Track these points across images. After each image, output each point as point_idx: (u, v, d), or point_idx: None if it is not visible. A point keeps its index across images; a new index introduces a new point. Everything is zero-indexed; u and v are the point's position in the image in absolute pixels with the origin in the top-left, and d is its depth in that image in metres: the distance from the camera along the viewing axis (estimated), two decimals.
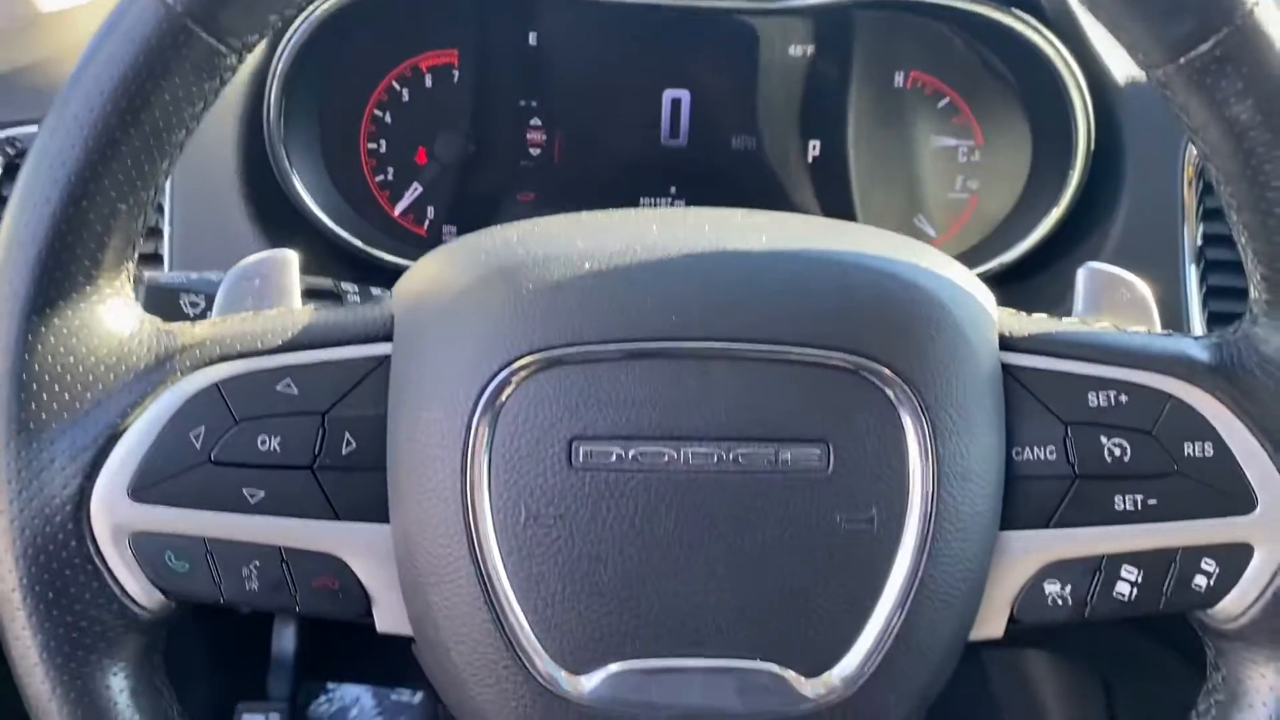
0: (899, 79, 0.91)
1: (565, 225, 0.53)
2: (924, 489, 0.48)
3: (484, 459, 0.48)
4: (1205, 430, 0.50)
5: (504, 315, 0.49)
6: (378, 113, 0.91)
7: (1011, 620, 0.53)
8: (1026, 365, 0.52)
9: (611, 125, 0.91)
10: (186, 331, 0.51)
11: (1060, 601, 0.52)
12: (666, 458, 0.48)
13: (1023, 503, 0.51)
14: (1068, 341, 0.52)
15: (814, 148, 0.92)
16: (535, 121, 0.91)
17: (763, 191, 0.92)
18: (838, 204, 0.92)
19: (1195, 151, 0.83)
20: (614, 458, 0.48)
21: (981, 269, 0.85)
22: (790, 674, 0.49)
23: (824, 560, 0.48)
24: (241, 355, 0.51)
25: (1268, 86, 0.46)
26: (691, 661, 0.49)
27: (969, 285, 0.52)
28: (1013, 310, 0.55)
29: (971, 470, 0.49)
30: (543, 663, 0.48)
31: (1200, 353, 0.52)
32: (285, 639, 1.56)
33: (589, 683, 0.48)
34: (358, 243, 0.85)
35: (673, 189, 0.92)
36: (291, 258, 0.57)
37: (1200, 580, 0.51)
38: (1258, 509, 0.50)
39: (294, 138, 0.83)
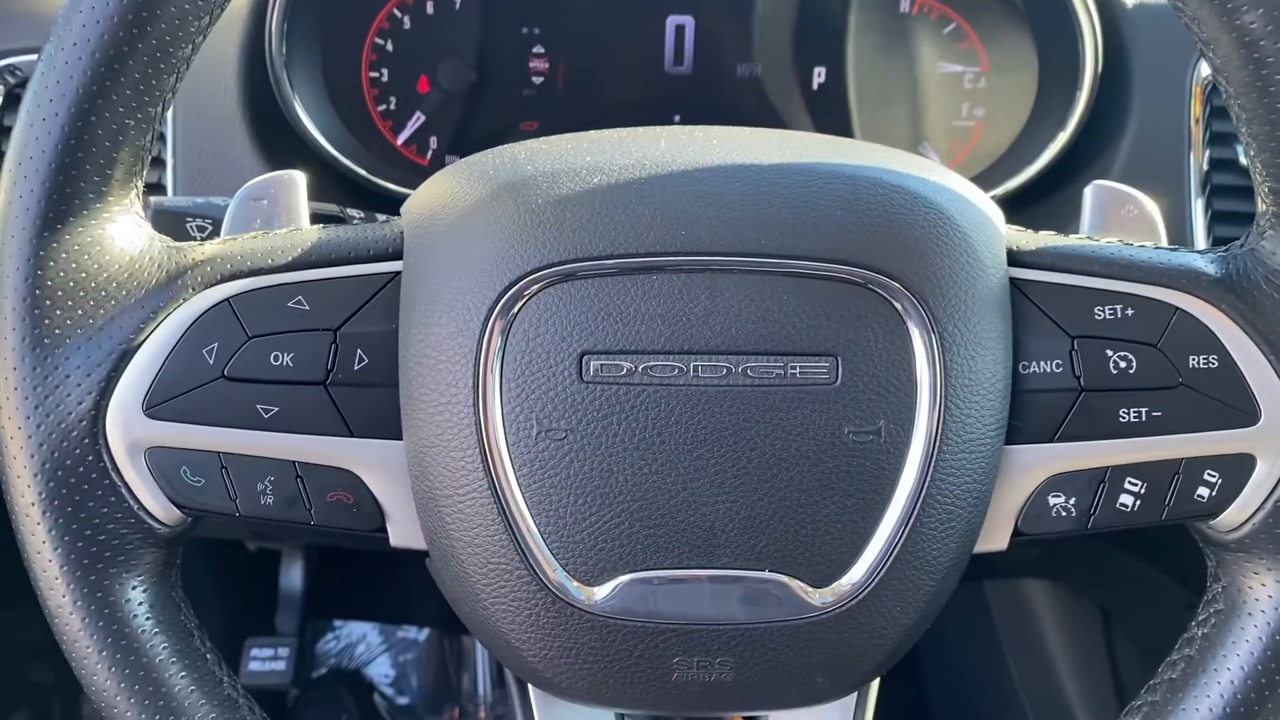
0: (905, 4, 0.90)
1: (573, 142, 0.53)
2: (931, 401, 0.49)
3: (495, 373, 0.48)
4: (1210, 343, 0.51)
5: (514, 230, 0.49)
6: (379, 41, 0.90)
7: (1016, 533, 0.53)
8: (1033, 280, 0.52)
9: (615, 53, 0.91)
10: (197, 250, 0.52)
11: (1064, 513, 0.52)
12: (676, 371, 0.48)
13: (1029, 416, 0.51)
14: (1074, 256, 0.52)
15: (819, 75, 0.91)
16: (538, 50, 0.91)
17: (767, 119, 0.92)
18: (842, 131, 0.92)
19: (1203, 75, 0.83)
20: (624, 371, 0.48)
21: (990, 194, 0.85)
22: (797, 584, 0.49)
23: (831, 472, 0.49)
24: (253, 272, 0.51)
25: None
26: (700, 572, 0.49)
27: (977, 201, 0.52)
28: (1020, 227, 0.55)
29: (978, 383, 0.50)
30: (555, 573, 0.49)
31: (1206, 266, 0.52)
32: (293, 576, 1.58)
33: (600, 592, 0.49)
34: (361, 171, 0.85)
35: (676, 117, 0.92)
36: (299, 178, 0.57)
37: (1203, 491, 0.52)
38: (1261, 420, 0.51)
39: (296, 66, 0.83)
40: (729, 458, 0.48)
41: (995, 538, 0.53)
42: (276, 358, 0.50)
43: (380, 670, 1.79)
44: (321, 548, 1.55)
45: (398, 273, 0.51)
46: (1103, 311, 0.51)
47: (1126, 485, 0.52)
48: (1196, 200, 0.82)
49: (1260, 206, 0.51)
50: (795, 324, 0.49)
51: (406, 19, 0.90)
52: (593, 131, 0.55)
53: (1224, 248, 0.53)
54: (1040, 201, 0.86)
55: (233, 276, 0.51)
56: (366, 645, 1.81)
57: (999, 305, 0.51)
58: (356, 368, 0.51)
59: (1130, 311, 0.51)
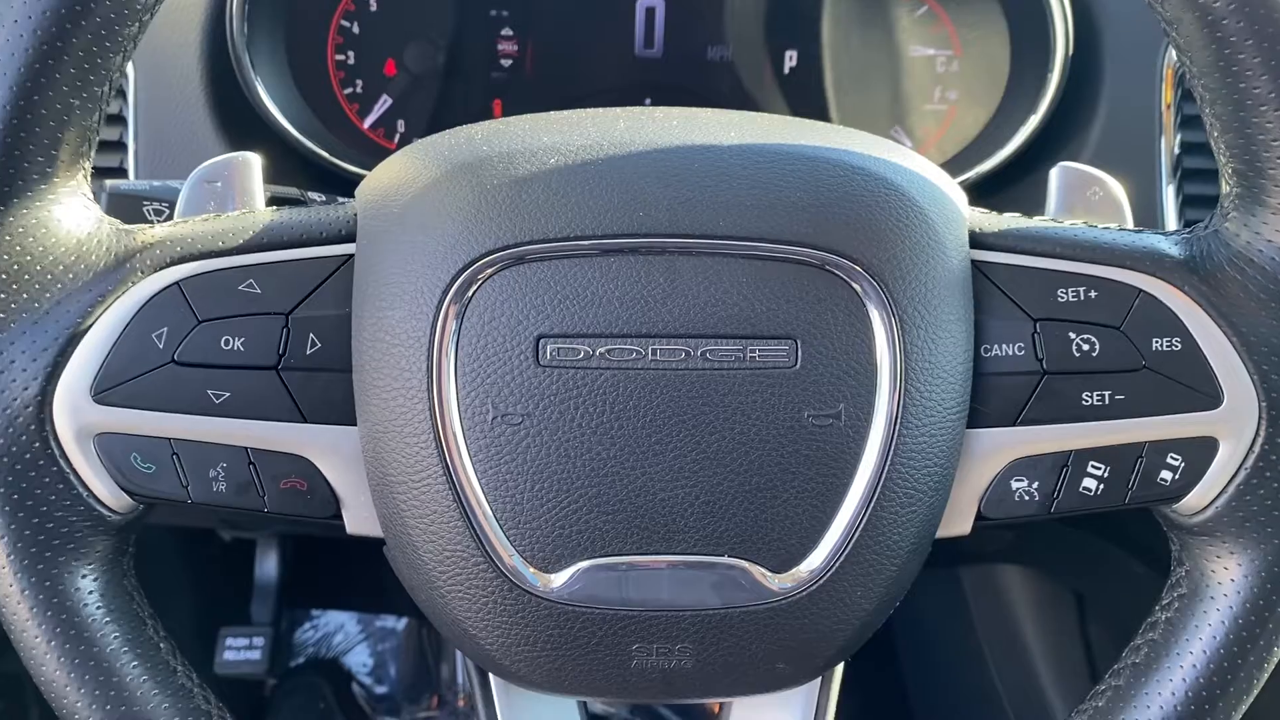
0: None
1: (531, 122, 0.52)
2: (891, 385, 0.48)
3: (450, 357, 0.48)
4: (1173, 326, 0.50)
5: (468, 211, 0.48)
6: (345, 23, 0.89)
7: (979, 517, 0.53)
8: (996, 262, 0.51)
9: (584, 36, 0.90)
10: (147, 232, 0.51)
11: (1027, 497, 0.52)
12: (634, 355, 0.48)
13: (991, 400, 0.51)
14: (1036, 238, 0.52)
15: (790, 58, 0.91)
16: (507, 32, 0.90)
17: (738, 103, 0.91)
18: (814, 115, 0.91)
19: (1174, 58, 0.82)
20: (581, 355, 0.47)
21: (962, 177, 0.84)
22: (757, 569, 0.49)
23: (791, 456, 0.48)
24: (203, 255, 0.50)
25: None
26: (659, 558, 0.49)
27: (940, 182, 0.52)
28: (984, 209, 0.54)
29: (939, 366, 0.49)
30: (512, 560, 0.48)
31: (1170, 248, 0.52)
32: (268, 565, 1.57)
33: (558, 580, 0.49)
34: (325, 154, 0.83)
35: (647, 100, 0.91)
36: (254, 160, 0.56)
37: (1166, 475, 0.51)
38: (1223, 404, 0.50)
39: (258, 47, 0.82)
40: (688, 442, 0.48)
41: (958, 522, 0.53)
42: (227, 342, 0.49)
43: (358, 659, 1.78)
44: (297, 536, 1.54)
45: (351, 255, 0.50)
46: (1065, 294, 0.51)
47: (1089, 469, 0.52)
48: (1168, 184, 0.81)
49: (1224, 188, 0.51)
50: (754, 306, 0.48)
51: (372, 1, 0.89)
52: (553, 112, 0.54)
53: (1188, 229, 0.53)
54: (1013, 185, 0.86)
55: (183, 259, 0.50)
56: (344, 634, 1.80)
57: (960, 287, 0.50)
58: (309, 352, 0.50)
59: (1093, 294, 0.51)
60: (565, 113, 0.54)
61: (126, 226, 0.51)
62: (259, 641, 1.45)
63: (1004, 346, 0.51)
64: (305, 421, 0.50)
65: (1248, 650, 0.51)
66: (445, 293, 0.47)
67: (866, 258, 0.48)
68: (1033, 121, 0.83)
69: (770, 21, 0.90)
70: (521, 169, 0.48)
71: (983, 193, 0.83)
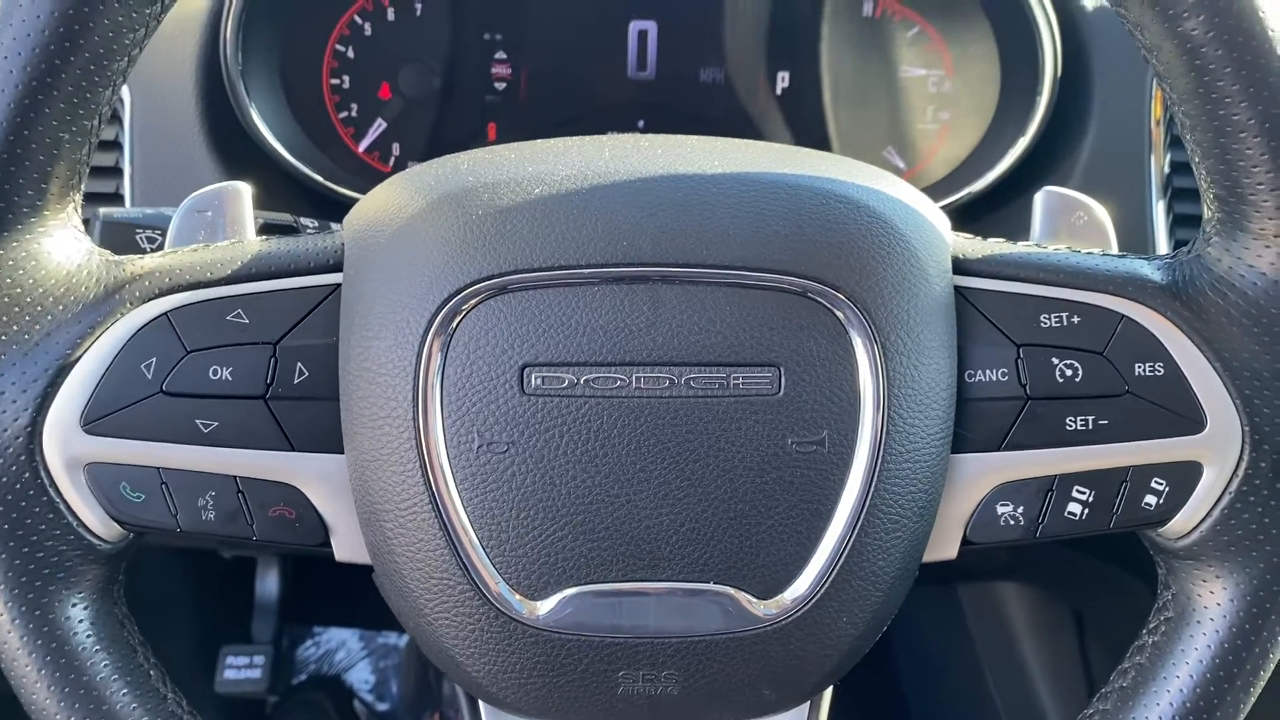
0: (868, 8, 0.90)
1: (517, 152, 0.53)
2: (875, 411, 0.48)
3: (436, 386, 0.48)
4: (1156, 350, 0.51)
5: (454, 241, 0.48)
6: (340, 48, 0.89)
7: (964, 542, 0.53)
8: (979, 288, 0.52)
9: (577, 58, 0.90)
10: (136, 263, 0.51)
11: (1012, 522, 0.52)
12: (618, 383, 0.48)
13: (975, 425, 0.51)
14: (1019, 264, 0.52)
15: (783, 79, 0.91)
16: (500, 55, 0.90)
17: (731, 125, 0.91)
18: (807, 136, 0.91)
19: None
20: (566, 384, 0.48)
21: (953, 198, 0.85)
22: (742, 596, 0.49)
23: (775, 483, 0.48)
24: (191, 286, 0.50)
25: (1220, 0, 0.46)
26: (645, 585, 0.49)
27: (922, 209, 0.52)
28: (967, 235, 0.54)
29: (922, 392, 0.49)
30: (498, 588, 0.49)
31: (1153, 273, 0.52)
32: (269, 583, 1.57)
33: (544, 607, 0.49)
34: (320, 179, 0.84)
35: (640, 123, 0.91)
36: (244, 189, 0.57)
37: (1150, 499, 0.52)
38: (1207, 428, 0.51)
39: (253, 74, 0.82)
40: (672, 470, 0.48)
41: (944, 547, 0.53)
42: (215, 372, 0.49)
43: (360, 676, 1.78)
44: (298, 555, 1.55)
45: (338, 285, 0.51)
46: (1049, 319, 0.51)
47: (1074, 494, 0.52)
48: (1158, 204, 0.82)
49: (1206, 213, 0.51)
50: (737, 335, 0.48)
51: (368, 25, 0.89)
52: (539, 140, 0.54)
53: (1171, 254, 0.53)
54: (1004, 206, 0.86)
55: (171, 290, 0.50)
56: (346, 651, 1.80)
57: (943, 314, 0.50)
58: (296, 381, 0.50)
59: (1076, 319, 0.51)
60: (552, 141, 0.54)
61: (116, 258, 0.51)
62: (259, 660, 1.46)
63: (987, 372, 0.51)
64: (293, 450, 0.50)
65: (1234, 675, 0.51)
66: (430, 322, 0.48)
67: (849, 285, 0.48)
68: (1022, 143, 0.83)
69: (763, 43, 0.90)
70: (506, 199, 0.49)
71: (975, 213, 0.84)
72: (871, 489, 0.49)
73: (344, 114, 0.91)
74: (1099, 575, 1.02)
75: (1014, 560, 1.08)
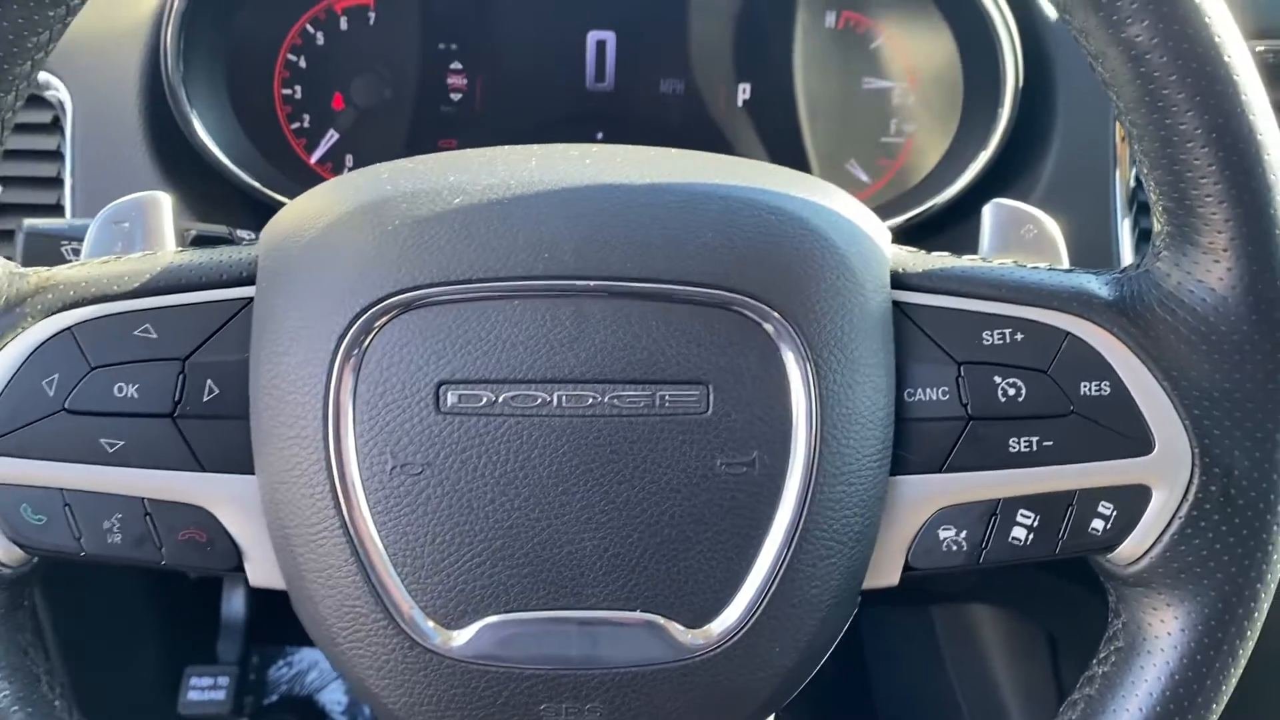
0: (831, 19, 0.89)
1: (442, 161, 0.51)
2: (808, 431, 0.46)
3: (348, 405, 0.46)
4: (1102, 369, 0.49)
5: (367, 254, 0.46)
6: (292, 57, 0.88)
7: (907, 568, 0.51)
8: (919, 303, 0.50)
9: (534, 69, 0.89)
10: (41, 276, 0.49)
11: (955, 547, 0.50)
12: (539, 401, 0.46)
13: (915, 446, 0.49)
14: (962, 278, 0.50)
15: (744, 91, 0.89)
16: (456, 65, 0.89)
17: (692, 137, 0.90)
18: (769, 149, 0.90)
19: None
20: (484, 402, 0.46)
21: (915, 212, 0.83)
22: (670, 624, 0.47)
23: (704, 506, 0.46)
24: (97, 299, 0.48)
25: (1161, 5, 0.44)
26: (567, 613, 0.47)
27: (860, 221, 0.50)
28: (911, 249, 0.53)
29: (858, 412, 0.47)
30: (414, 617, 0.47)
31: (1100, 289, 0.50)
32: (235, 603, 1.55)
33: (462, 636, 0.47)
34: (266, 190, 0.82)
35: (599, 134, 0.90)
36: (163, 199, 0.55)
37: (1098, 524, 0.49)
38: (1155, 450, 0.48)
39: (197, 81, 0.80)
40: (596, 492, 0.46)
41: (885, 573, 0.51)
42: (120, 389, 0.47)
43: (333, 697, 1.75)
44: None
45: (251, 299, 0.49)
46: (991, 336, 0.49)
47: (1019, 518, 0.50)
48: (1123, 217, 0.80)
49: (1155, 226, 0.49)
50: (664, 351, 0.46)
51: (320, 35, 0.88)
52: (469, 150, 0.52)
53: (1120, 269, 0.51)
54: (968, 220, 0.84)
55: (76, 304, 0.48)
56: (319, 672, 1.77)
57: (880, 330, 0.48)
58: (206, 399, 0.48)
59: (1019, 336, 0.49)
60: (480, 150, 0.52)
61: (20, 270, 0.49)
62: (224, 681, 1.43)
63: (927, 391, 0.49)
64: (203, 470, 0.48)
65: (1185, 709, 0.49)
66: (341, 339, 0.46)
67: (779, 300, 0.46)
68: (983, 157, 0.81)
69: (724, 55, 0.89)
70: (424, 210, 0.47)
71: (939, 227, 0.82)
72: (805, 513, 0.47)
73: (296, 125, 0.89)
74: (1072, 597, 1.00)
75: (986, 581, 1.05)
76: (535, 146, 0.53)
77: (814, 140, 0.90)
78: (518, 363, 0.46)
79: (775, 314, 0.46)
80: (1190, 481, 0.49)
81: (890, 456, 0.49)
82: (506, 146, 0.53)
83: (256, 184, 0.80)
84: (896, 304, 0.49)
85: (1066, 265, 0.54)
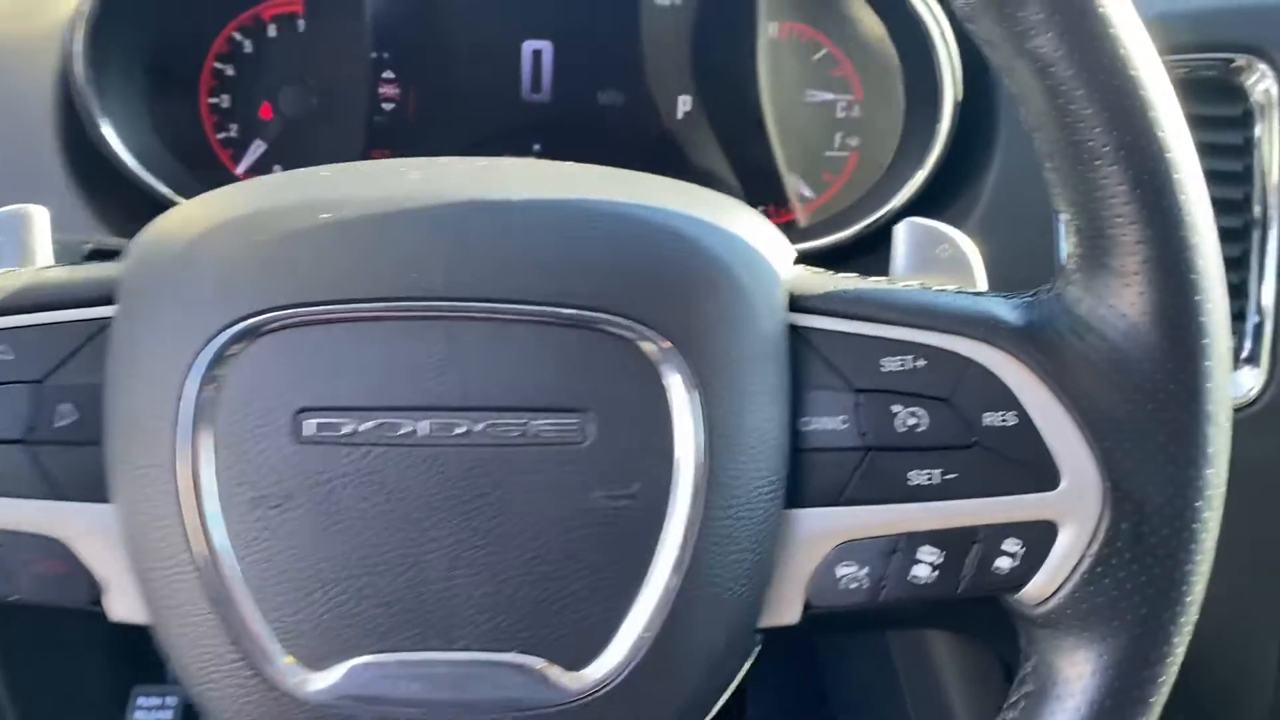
0: (773, 29, 0.86)
1: (321, 175, 0.49)
2: (694, 463, 0.44)
3: (205, 433, 0.43)
4: (1007, 398, 0.46)
5: (226, 271, 0.44)
6: (219, 65, 0.85)
7: (807, 606, 0.48)
8: (817, 327, 0.47)
9: (469, 79, 0.86)
10: None
11: (855, 584, 0.47)
12: (405, 430, 0.43)
13: (811, 478, 0.46)
14: (864, 301, 0.47)
15: (684, 103, 0.87)
16: (388, 75, 0.86)
17: (631, 150, 0.87)
18: (710, 163, 0.87)
19: None
20: (346, 431, 0.43)
21: (851, 231, 0.80)
22: (548, 666, 0.44)
23: (582, 541, 0.44)
24: None
25: (1067, 14, 0.42)
26: (439, 655, 0.44)
27: (758, 240, 0.48)
28: (817, 269, 0.50)
29: (749, 441, 0.45)
30: (276, 657, 0.44)
31: (1008, 313, 0.47)
32: None
33: (326, 679, 0.44)
34: (185, 201, 0.79)
35: (536, 146, 0.87)
36: (37, 213, 0.52)
37: (1004, 562, 0.47)
38: (1062, 484, 0.46)
39: (110, 88, 0.78)
40: (467, 526, 0.43)
41: (784, 611, 0.48)
42: None
43: None
44: None
45: (111, 318, 0.46)
46: (891, 362, 0.47)
47: (921, 554, 0.47)
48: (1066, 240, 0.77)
49: (1067, 248, 0.47)
50: (540, 377, 0.44)
51: (247, 42, 0.85)
52: (356, 163, 0.50)
53: (1032, 293, 0.49)
54: None
55: None
56: None
57: (774, 355, 0.46)
58: (62, 424, 0.45)
59: (921, 363, 0.46)
60: (367, 163, 0.50)
61: None
62: (171, 701, 1.39)
63: (824, 419, 0.46)
64: (59, 499, 0.46)
65: None
66: (196, 361, 0.43)
67: (664, 323, 0.44)
68: (920, 175, 0.79)
69: (664, 66, 0.86)
70: (287, 226, 0.44)
71: (869, 248, 0.79)
72: (691, 548, 0.44)
73: (223, 134, 0.86)
74: None
75: (942, 608, 1.03)
76: (422, 159, 0.50)
77: (756, 154, 0.87)
78: (382, 389, 0.43)
79: (659, 338, 0.44)
80: (1100, 518, 0.46)
81: (785, 488, 0.46)
82: (392, 160, 0.50)
83: (171, 194, 0.78)
84: (794, 328, 0.47)
85: (981, 288, 0.51)
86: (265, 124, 0.86)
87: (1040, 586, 0.47)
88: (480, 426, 0.43)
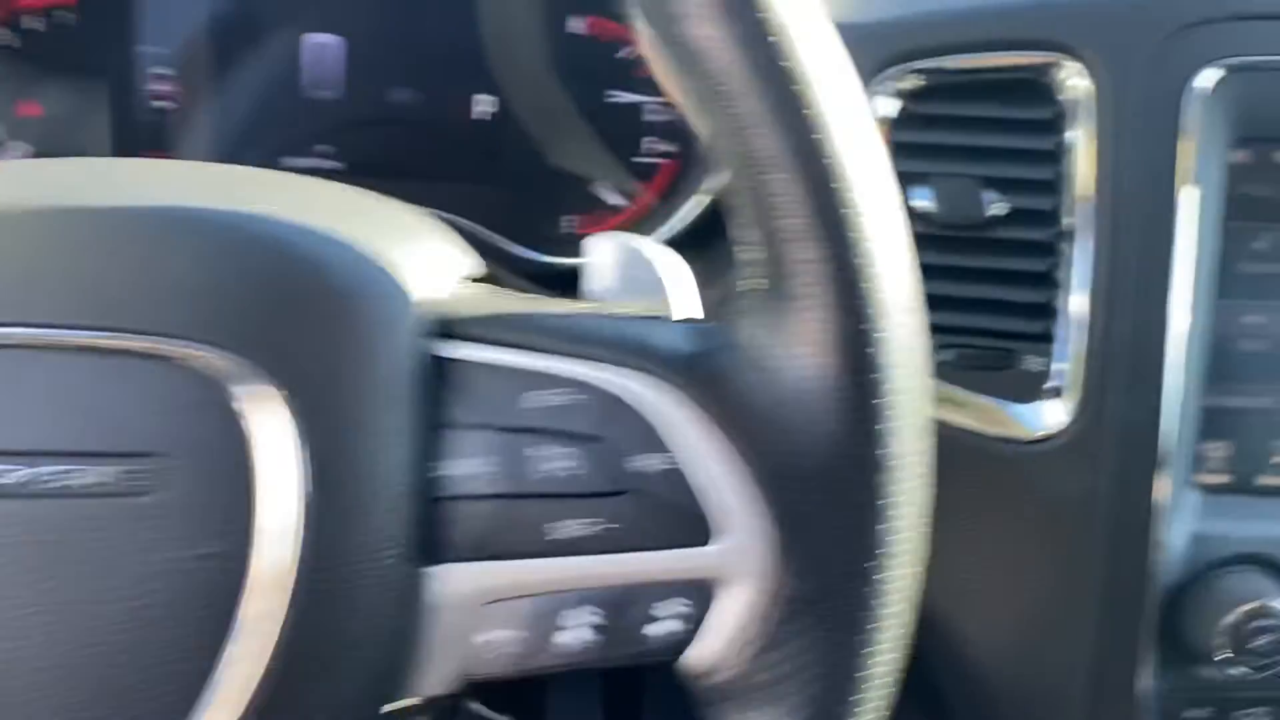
0: (577, 24, 0.81)
1: None
2: (297, 515, 0.38)
3: None
4: (657, 439, 0.40)
5: None
6: None
7: (461, 674, 0.42)
8: (458, 357, 0.41)
9: (246, 75, 0.80)
10: None
11: (509, 649, 0.41)
12: None
13: (445, 530, 0.41)
14: (513, 327, 0.42)
15: (481, 103, 0.81)
16: (160, 70, 0.80)
17: (424, 151, 0.81)
18: (509, 166, 0.81)
19: None
20: None
21: (666, 236, 0.75)
22: None
23: (152, 608, 0.37)
24: None
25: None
26: None
27: (390, 254, 0.42)
28: (480, 289, 0.44)
29: (365, 489, 0.39)
30: None
31: (674, 341, 0.42)
32: None
33: None
34: None
35: (320, 147, 0.81)
36: None
37: (663, 626, 0.41)
38: (724, 538, 0.40)
39: None
40: (12, 591, 0.37)
41: (437, 681, 0.42)
42: None
43: None
44: None
45: None
46: (538, 397, 0.41)
47: (577, 615, 0.41)
48: None
49: (743, 272, 0.41)
50: (102, 416, 0.37)
51: (16, 38, 0.79)
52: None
53: (705, 321, 0.43)
54: (709, 248, 0.76)
55: None
56: None
57: (399, 390, 0.40)
58: None
59: (571, 398, 0.41)
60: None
61: None
62: None
63: (460, 463, 0.40)
64: None
65: None
66: None
67: (260, 355, 0.38)
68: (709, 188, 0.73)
69: (459, 63, 0.80)
70: None
71: (696, 248, 0.73)
72: (286, 619, 0.38)
73: None
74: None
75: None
76: (14, 163, 0.44)
77: (561, 157, 0.81)
78: None
79: (253, 372, 0.38)
80: (773, 577, 0.40)
81: (417, 542, 0.40)
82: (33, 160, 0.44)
83: None
84: (434, 358, 0.41)
85: (673, 312, 0.46)
86: (29, 123, 0.79)
87: (703, 653, 0.41)
88: (27, 474, 0.37)
